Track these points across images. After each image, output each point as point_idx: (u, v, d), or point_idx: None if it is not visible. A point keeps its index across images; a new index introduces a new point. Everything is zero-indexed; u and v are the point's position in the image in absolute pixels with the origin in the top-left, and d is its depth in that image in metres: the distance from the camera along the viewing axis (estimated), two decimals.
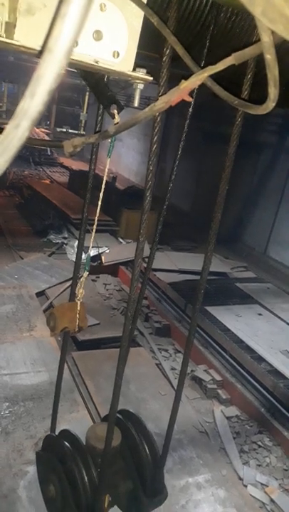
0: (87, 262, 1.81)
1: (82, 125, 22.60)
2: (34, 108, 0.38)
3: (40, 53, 1.10)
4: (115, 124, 1.19)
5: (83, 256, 1.97)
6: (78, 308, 1.87)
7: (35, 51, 1.10)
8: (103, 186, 1.53)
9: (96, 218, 1.62)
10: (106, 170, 1.58)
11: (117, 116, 1.32)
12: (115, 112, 1.34)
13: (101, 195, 1.57)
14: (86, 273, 1.78)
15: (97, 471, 1.85)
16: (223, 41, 1.80)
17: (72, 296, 1.90)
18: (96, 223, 1.65)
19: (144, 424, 2.16)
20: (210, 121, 9.76)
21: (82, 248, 1.87)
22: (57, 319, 1.86)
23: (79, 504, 1.79)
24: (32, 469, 3.90)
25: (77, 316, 1.90)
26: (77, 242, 9.59)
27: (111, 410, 1.62)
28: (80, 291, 1.82)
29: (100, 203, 1.58)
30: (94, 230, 1.67)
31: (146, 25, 1.21)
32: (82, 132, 22.16)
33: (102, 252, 8.80)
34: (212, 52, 1.74)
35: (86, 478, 1.81)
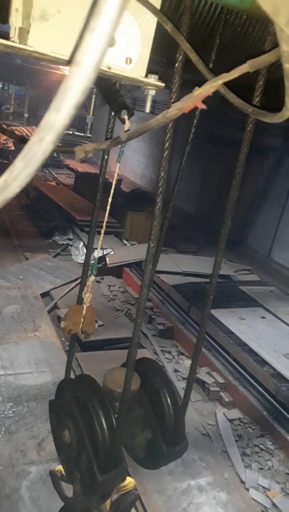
0: (94, 265, 1.82)
1: (89, 127, 22.66)
2: (59, 122, 0.38)
3: (53, 59, 1.11)
4: (126, 131, 1.19)
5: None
6: (84, 312, 1.88)
7: (48, 57, 1.11)
8: (112, 192, 1.54)
9: (104, 222, 1.62)
10: (115, 175, 1.58)
11: (127, 121, 1.33)
12: (126, 117, 1.34)
13: (110, 200, 1.57)
14: (92, 277, 1.79)
15: (115, 414, 1.76)
16: (231, 45, 1.81)
17: (80, 299, 1.90)
18: (104, 227, 1.65)
19: (164, 370, 2.07)
20: (215, 124, 9.76)
21: (91, 251, 1.87)
22: (67, 321, 1.87)
23: (96, 447, 1.71)
24: (35, 469, 3.91)
25: (82, 319, 1.90)
26: (82, 243, 9.56)
27: (130, 349, 1.54)
28: (86, 295, 1.82)
29: (108, 207, 1.59)
30: (102, 233, 1.68)
31: (156, 29, 1.21)
32: (89, 135, 22.21)
33: (106, 254, 8.81)
34: (220, 57, 1.75)
35: (104, 419, 1.72)
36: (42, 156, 0.40)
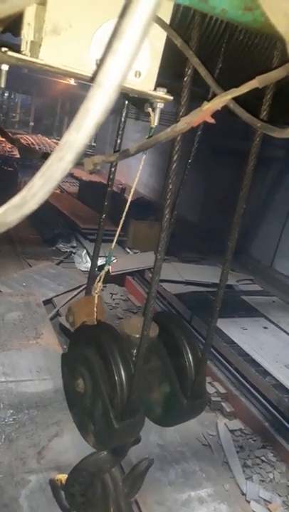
0: (109, 256, 1.78)
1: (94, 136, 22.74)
2: (80, 142, 0.39)
3: (64, 72, 1.12)
4: (149, 136, 1.19)
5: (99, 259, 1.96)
6: (96, 301, 1.84)
7: (59, 70, 1.13)
8: (127, 206, 1.54)
9: (117, 233, 1.63)
10: (132, 191, 1.59)
11: (152, 113, 1.28)
12: (150, 110, 1.30)
13: (124, 214, 1.58)
14: (108, 267, 1.75)
15: (132, 360, 1.67)
16: (236, 60, 1.82)
17: (88, 290, 1.87)
18: (117, 237, 1.66)
19: (183, 322, 2.00)
20: (219, 134, 9.80)
21: (97, 260, 1.87)
22: (75, 314, 1.85)
23: (113, 393, 1.63)
24: (34, 478, 3.89)
25: (95, 309, 1.86)
26: (85, 251, 9.51)
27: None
28: (98, 285, 1.79)
29: (121, 221, 1.60)
30: (115, 241, 1.68)
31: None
32: (93, 144, 22.32)
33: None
34: (224, 71, 1.76)
35: (121, 362, 1.64)
36: (61, 174, 0.41)
